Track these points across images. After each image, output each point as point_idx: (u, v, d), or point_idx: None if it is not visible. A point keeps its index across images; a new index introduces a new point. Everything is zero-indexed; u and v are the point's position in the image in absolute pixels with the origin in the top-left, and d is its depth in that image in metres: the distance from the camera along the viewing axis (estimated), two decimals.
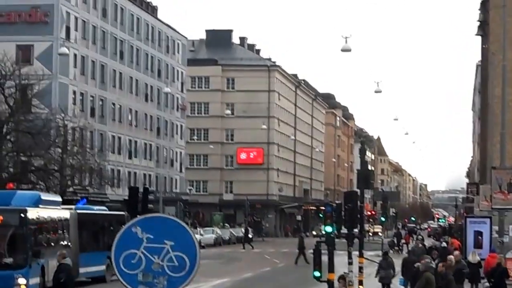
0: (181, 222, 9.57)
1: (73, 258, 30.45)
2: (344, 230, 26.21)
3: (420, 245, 44.38)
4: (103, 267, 37.82)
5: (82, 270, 35.37)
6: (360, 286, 24.55)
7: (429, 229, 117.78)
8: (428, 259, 28.10)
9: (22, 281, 25.86)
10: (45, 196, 34.90)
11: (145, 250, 9.08)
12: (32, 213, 28.52)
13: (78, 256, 34.86)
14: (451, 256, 30.82)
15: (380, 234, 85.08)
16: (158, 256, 9.07)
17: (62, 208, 35.82)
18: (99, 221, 41.26)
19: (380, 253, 58.30)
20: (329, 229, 21.94)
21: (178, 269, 9.02)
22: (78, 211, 38.18)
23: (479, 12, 75.26)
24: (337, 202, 28.46)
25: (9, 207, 27.85)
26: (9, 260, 26.54)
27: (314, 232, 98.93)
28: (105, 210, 45.07)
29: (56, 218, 33.19)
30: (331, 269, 20.71)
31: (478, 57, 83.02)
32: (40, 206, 30.73)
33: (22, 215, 27.06)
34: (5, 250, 27.08)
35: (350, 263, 23.96)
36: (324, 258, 22.03)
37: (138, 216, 22.08)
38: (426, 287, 23.56)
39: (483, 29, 70.95)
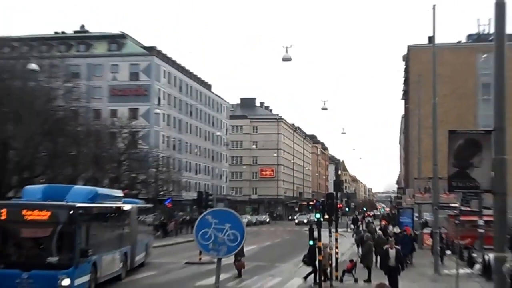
0: (235, 213, 10.84)
1: (132, 248, 27.24)
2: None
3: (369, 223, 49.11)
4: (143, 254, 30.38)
5: (137, 258, 29.09)
6: (336, 249, 26.24)
7: (372, 216, 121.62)
8: (370, 233, 32.70)
9: (66, 282, 18.53)
10: (104, 191, 26.69)
11: (214, 230, 10.65)
12: (84, 210, 20.35)
13: (136, 246, 28.24)
14: (390, 231, 37.00)
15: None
16: (221, 233, 10.57)
17: (124, 203, 28.00)
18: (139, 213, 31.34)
19: (345, 229, 63.42)
20: (318, 216, 24.09)
21: (233, 241, 10.58)
22: (137, 205, 30.93)
23: (403, 85, 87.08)
24: (322, 199, 28.29)
25: (57, 203, 19.92)
26: (53, 259, 18.90)
27: (294, 218, 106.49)
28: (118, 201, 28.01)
29: (115, 213, 25.54)
30: (319, 239, 22.79)
31: (402, 112, 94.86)
32: (97, 201, 22.93)
33: (71, 211, 19.17)
34: (51, 248, 19.26)
35: (330, 236, 25.70)
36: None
37: (204, 209, 24.84)
38: (369, 250, 26.70)
39: (406, 95, 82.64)
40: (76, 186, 24.99)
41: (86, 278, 19.98)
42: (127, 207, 27.57)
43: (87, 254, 19.67)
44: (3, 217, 18.89)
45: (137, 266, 28.81)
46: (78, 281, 19.08)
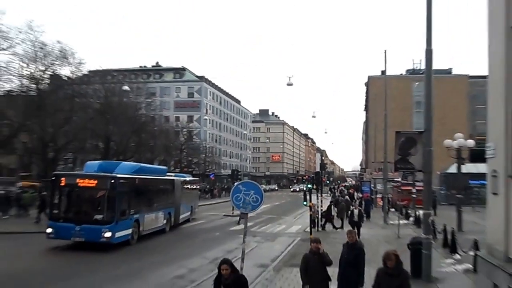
0: (256, 183, 10.52)
1: (176, 209, 23.82)
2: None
3: (342, 191, 49.40)
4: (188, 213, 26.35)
5: (181, 216, 25.15)
6: (321, 207, 25.89)
7: (344, 186, 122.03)
8: (342, 197, 32.51)
9: (107, 234, 16.64)
10: (148, 166, 23.11)
11: (243, 194, 10.30)
12: (125, 179, 17.73)
13: (179, 208, 24.49)
14: (356, 196, 36.38)
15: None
16: (248, 196, 10.22)
17: (168, 176, 24.57)
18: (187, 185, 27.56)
19: (326, 194, 56.66)
20: (309, 186, 24.43)
21: (256, 202, 10.18)
22: (182, 178, 26.61)
23: (364, 101, 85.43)
24: (311, 175, 27.73)
25: (103, 174, 17.60)
26: (99, 216, 16.89)
27: (291, 187, 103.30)
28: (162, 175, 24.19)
29: (156, 182, 21.82)
30: (310, 200, 21.92)
31: (364, 118, 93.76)
32: (141, 174, 19.90)
33: (113, 181, 16.97)
34: (97, 208, 17.16)
35: (317, 198, 25.24)
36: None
37: (237, 181, 25.16)
38: (342, 208, 26.06)
39: (366, 108, 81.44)
40: (124, 162, 21.49)
41: (128, 231, 17.69)
42: (169, 178, 23.83)
43: (127, 213, 17.44)
44: (62, 184, 17.07)
45: (183, 222, 25.54)
46: (119, 234, 17.02)
